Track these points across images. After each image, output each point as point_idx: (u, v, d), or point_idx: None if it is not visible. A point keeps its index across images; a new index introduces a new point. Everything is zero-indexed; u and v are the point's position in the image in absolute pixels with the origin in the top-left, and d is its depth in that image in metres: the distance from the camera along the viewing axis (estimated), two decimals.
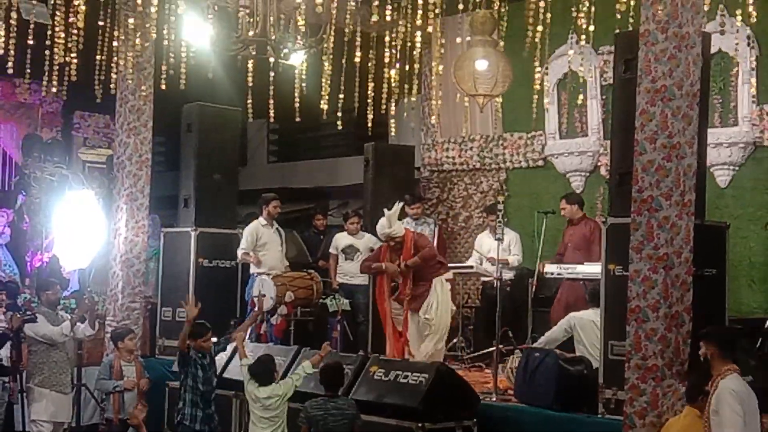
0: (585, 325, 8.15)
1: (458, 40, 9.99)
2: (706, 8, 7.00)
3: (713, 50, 9.06)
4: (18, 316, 8.42)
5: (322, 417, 6.92)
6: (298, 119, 10.77)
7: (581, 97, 11.50)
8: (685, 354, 6.55)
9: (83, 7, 8.87)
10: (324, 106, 10.58)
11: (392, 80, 10.56)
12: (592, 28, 8.97)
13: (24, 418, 8.75)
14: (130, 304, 10.70)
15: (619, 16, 7.79)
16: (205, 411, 7.76)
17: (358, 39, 9.84)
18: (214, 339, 8.24)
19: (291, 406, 7.45)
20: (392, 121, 12.13)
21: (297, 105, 10.65)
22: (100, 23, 9.93)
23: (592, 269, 8.97)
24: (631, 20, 8.19)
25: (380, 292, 9.75)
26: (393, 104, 11.10)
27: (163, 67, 9.91)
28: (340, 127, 11.06)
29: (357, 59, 10.05)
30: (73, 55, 9.62)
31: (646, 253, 6.60)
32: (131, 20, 9.57)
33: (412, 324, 9.46)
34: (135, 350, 9.35)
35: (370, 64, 10.48)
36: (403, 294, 9.47)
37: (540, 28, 9.13)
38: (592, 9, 8.96)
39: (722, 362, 5.56)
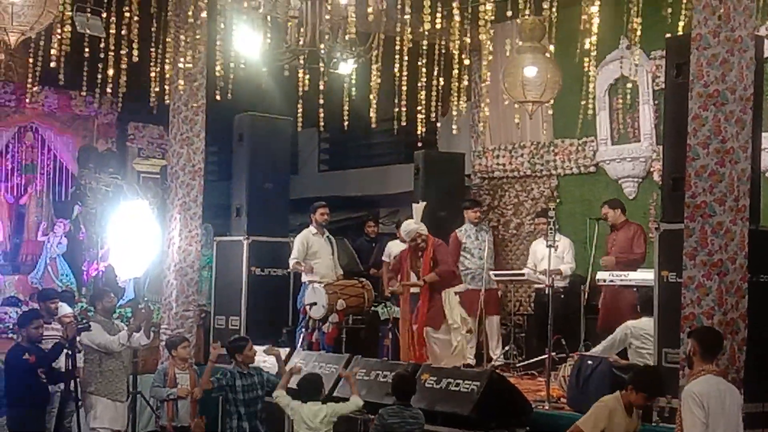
0: (640, 334, 8.05)
1: (507, 46, 9.96)
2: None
3: (767, 54, 8.93)
4: (73, 325, 8.54)
5: (399, 425, 6.95)
6: (347, 128, 10.83)
7: (632, 101, 11.41)
8: (740, 361, 6.46)
9: (132, 20, 8.99)
10: (374, 114, 10.62)
11: (441, 88, 10.56)
12: (642, 32, 8.90)
13: (80, 426, 8.88)
14: (184, 313, 10.82)
15: (670, 21, 7.74)
16: (251, 425, 7.82)
17: (408, 47, 9.86)
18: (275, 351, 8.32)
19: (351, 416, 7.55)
20: (440, 127, 12.13)
21: (346, 114, 10.71)
22: (153, 35, 10.07)
23: (644, 276, 8.88)
24: (680, 23, 8.12)
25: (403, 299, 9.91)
26: (442, 112, 11.11)
27: (216, 79, 10.02)
28: (392, 135, 11.12)
29: (406, 67, 10.08)
30: (125, 67, 9.77)
31: (700, 260, 6.53)
32: (182, 32, 9.69)
33: (427, 339, 9.60)
34: (189, 358, 9.45)
35: (419, 73, 10.50)
36: (421, 318, 9.59)
37: (591, 33, 9.07)
38: (643, 14, 8.89)
39: (701, 362, 5.74)
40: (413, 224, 9.74)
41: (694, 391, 5.62)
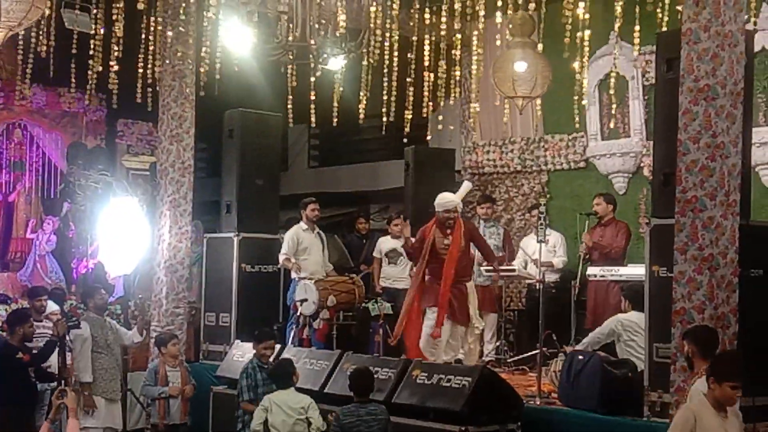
0: (630, 327, 8.06)
1: (497, 42, 9.95)
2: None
3: (757, 48, 8.95)
4: (63, 322, 8.51)
5: (355, 424, 6.86)
6: (336, 124, 10.81)
7: (622, 97, 11.41)
8: None
9: (120, 16, 8.96)
10: (362, 110, 10.60)
11: (431, 84, 10.55)
12: (635, 28, 8.90)
13: None
14: (174, 310, 10.79)
15: (667, 18, 7.74)
16: None
17: (397, 43, 9.85)
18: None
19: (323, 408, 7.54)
20: (430, 123, 12.12)
21: (336, 110, 10.68)
22: (142, 31, 10.03)
23: (634, 271, 8.89)
24: (666, 18, 8.14)
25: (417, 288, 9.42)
26: (432, 108, 11.10)
27: (204, 75, 9.99)
28: (382, 132, 11.11)
29: (396, 63, 10.06)
30: (113, 63, 9.73)
31: (691, 254, 6.54)
32: (171, 28, 9.66)
33: (447, 333, 9.19)
34: (179, 356, 9.43)
35: (409, 68, 10.49)
36: (443, 298, 9.07)
37: (584, 28, 9.06)
38: (633, 9, 8.89)
39: (701, 361, 5.76)
40: (454, 197, 9.34)
41: (702, 390, 5.54)
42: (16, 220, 14.91)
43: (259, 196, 11.38)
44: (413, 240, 9.42)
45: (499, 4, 8.73)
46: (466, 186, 9.69)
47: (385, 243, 11.35)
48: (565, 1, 8.49)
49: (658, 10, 8.91)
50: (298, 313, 10.20)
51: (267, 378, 8.08)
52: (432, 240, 9.23)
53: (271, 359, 8.46)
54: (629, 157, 11.63)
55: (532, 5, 9.00)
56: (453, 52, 10.09)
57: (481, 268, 10.56)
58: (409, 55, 10.47)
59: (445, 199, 9.32)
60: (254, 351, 8.38)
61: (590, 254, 10.11)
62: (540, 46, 9.82)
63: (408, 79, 10.57)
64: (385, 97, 10.71)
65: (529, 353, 10.14)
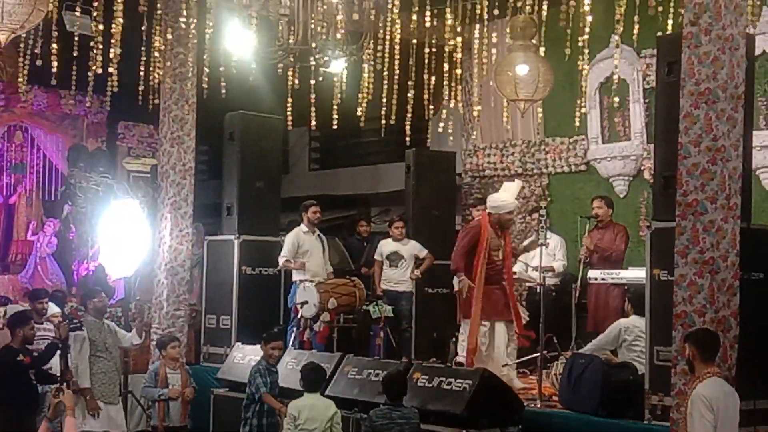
0: (633, 330, 8.06)
1: (496, 47, 9.95)
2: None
3: (757, 52, 8.95)
4: (65, 324, 8.50)
5: (388, 426, 6.86)
6: (336, 126, 10.81)
7: (623, 100, 11.41)
8: (732, 359, 6.46)
9: (121, 19, 8.95)
10: (362, 113, 10.60)
11: (432, 86, 10.55)
12: (635, 31, 8.91)
13: None
14: (175, 312, 10.79)
15: (661, 19, 7.74)
16: (269, 420, 7.93)
17: (398, 46, 9.84)
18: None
19: (344, 414, 7.54)
20: (431, 126, 12.11)
21: (336, 112, 10.68)
22: (143, 34, 10.03)
23: (636, 274, 8.89)
24: (670, 21, 8.14)
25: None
26: (433, 111, 11.10)
27: (205, 77, 10.00)
28: (383, 134, 11.10)
29: (396, 66, 10.06)
30: (114, 66, 9.73)
31: (692, 258, 6.53)
32: (172, 31, 9.67)
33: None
34: (179, 358, 9.42)
35: (409, 71, 10.49)
36: (516, 309, 9.17)
37: (585, 31, 9.06)
38: (635, 12, 8.90)
39: (702, 365, 5.78)
40: (512, 198, 9.30)
41: (704, 394, 5.61)
42: (17, 222, 14.92)
43: (260, 198, 11.38)
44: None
45: (496, 12, 8.75)
46: (517, 184, 9.62)
47: (386, 245, 11.35)
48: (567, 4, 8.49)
49: (659, 14, 8.90)
50: (299, 316, 10.21)
51: (275, 382, 8.12)
52: (488, 243, 9.10)
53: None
54: (630, 160, 11.63)
55: (532, 8, 9.01)
56: (454, 54, 10.09)
57: None
58: (409, 59, 10.47)
59: (504, 201, 9.30)
60: (262, 352, 8.39)
61: (590, 257, 10.11)
62: (542, 50, 9.82)
63: (409, 82, 10.57)
64: (385, 100, 10.72)
65: (530, 356, 10.13)
